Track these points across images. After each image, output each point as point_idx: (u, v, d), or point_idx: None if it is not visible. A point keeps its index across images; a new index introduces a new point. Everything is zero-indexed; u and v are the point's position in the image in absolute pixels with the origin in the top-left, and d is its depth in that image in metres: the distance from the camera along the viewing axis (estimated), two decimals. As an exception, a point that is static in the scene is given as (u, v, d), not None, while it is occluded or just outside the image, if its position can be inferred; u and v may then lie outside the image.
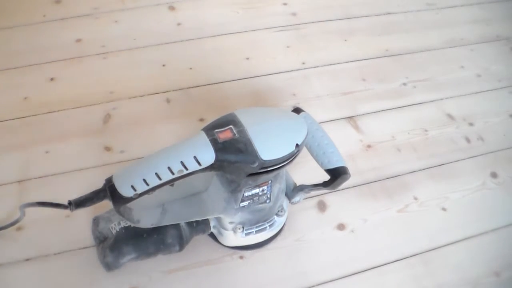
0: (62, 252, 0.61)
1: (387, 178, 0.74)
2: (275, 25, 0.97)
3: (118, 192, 0.46)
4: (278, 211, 0.61)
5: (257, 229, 0.59)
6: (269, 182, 0.53)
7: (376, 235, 0.67)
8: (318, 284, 0.61)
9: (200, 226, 0.59)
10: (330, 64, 0.91)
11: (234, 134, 0.48)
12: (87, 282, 0.59)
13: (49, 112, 0.77)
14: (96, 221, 0.58)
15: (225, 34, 0.94)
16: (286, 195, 0.61)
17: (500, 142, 0.81)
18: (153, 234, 0.56)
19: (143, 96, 0.82)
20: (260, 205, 0.57)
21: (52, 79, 0.82)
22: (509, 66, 0.96)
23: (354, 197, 0.71)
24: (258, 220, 0.59)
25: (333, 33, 0.98)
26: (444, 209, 0.71)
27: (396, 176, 0.74)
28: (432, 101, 0.87)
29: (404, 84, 0.89)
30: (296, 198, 0.60)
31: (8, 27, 0.91)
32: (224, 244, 0.62)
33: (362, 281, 0.62)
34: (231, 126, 0.48)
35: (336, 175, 0.53)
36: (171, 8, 0.98)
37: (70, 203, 0.48)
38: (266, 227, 0.60)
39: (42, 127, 0.75)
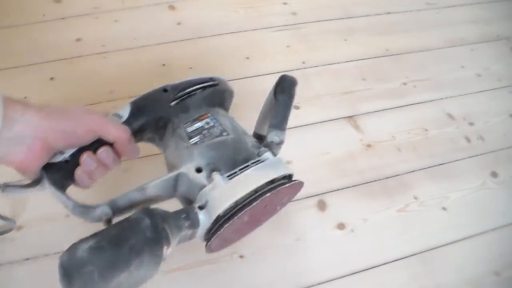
0: (62, 251, 0.61)
1: (387, 178, 0.74)
2: (275, 25, 0.97)
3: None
4: (259, 151, 0.52)
5: (239, 169, 0.49)
6: (208, 114, 0.55)
7: (376, 235, 0.67)
8: (318, 284, 0.61)
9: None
10: (330, 64, 0.91)
11: None
12: (87, 281, 0.59)
13: (49, 112, 0.77)
14: None
15: (225, 33, 0.94)
16: (262, 138, 0.56)
17: (500, 142, 0.81)
18: None
19: (143, 95, 0.81)
20: (218, 138, 0.52)
21: (52, 78, 0.82)
22: (509, 65, 0.96)
23: (354, 196, 0.71)
24: (230, 156, 0.51)
25: (333, 33, 0.98)
26: (444, 209, 0.71)
27: (396, 176, 0.74)
28: (432, 100, 0.87)
29: (404, 83, 0.89)
30: (275, 138, 0.52)
31: (8, 27, 0.90)
32: (223, 206, 0.47)
33: (362, 281, 0.62)
34: None
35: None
36: (171, 7, 0.98)
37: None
38: (249, 165, 0.50)
39: (42, 127, 0.75)
